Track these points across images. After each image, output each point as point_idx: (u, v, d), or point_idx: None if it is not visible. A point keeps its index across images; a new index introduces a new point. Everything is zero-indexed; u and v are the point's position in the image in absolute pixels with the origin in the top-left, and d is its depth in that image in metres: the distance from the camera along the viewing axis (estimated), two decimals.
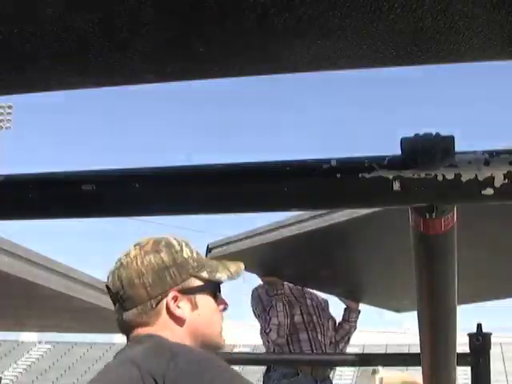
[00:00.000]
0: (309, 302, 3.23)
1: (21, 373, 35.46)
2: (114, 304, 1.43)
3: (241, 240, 2.48)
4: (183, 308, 1.37)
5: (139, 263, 1.35)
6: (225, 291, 1.46)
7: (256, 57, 0.60)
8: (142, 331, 1.37)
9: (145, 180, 0.60)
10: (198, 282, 1.38)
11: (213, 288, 1.41)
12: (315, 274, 2.85)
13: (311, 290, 3.29)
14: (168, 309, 1.36)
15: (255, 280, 3.28)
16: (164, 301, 1.36)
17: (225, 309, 1.45)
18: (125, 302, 1.39)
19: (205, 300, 1.39)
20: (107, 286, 1.42)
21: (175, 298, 1.36)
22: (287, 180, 0.58)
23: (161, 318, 1.37)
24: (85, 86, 0.65)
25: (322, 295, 3.35)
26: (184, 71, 0.64)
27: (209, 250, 2.65)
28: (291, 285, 3.22)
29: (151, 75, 0.64)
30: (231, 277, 1.42)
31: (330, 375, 3.38)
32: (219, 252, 2.58)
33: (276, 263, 2.87)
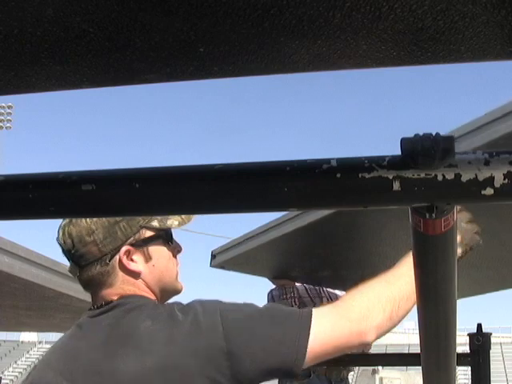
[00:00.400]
0: (325, 301, 3.18)
1: (21, 373, 35.46)
2: (68, 260, 1.42)
3: (244, 241, 2.39)
4: (137, 261, 1.37)
5: (88, 220, 1.32)
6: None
7: (256, 57, 0.60)
8: (109, 293, 1.35)
9: (145, 180, 0.60)
10: (149, 233, 1.37)
11: (165, 236, 1.41)
12: (327, 272, 2.76)
13: (331, 290, 3.23)
14: (122, 264, 1.36)
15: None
16: (117, 257, 1.36)
17: (178, 252, 1.45)
18: (78, 259, 1.37)
19: (157, 249, 1.38)
20: (58, 243, 1.41)
21: (127, 253, 1.35)
22: (287, 180, 0.58)
23: (119, 274, 1.36)
24: (85, 86, 0.65)
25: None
26: (184, 71, 0.64)
27: (213, 256, 2.58)
28: (308, 285, 3.15)
29: (151, 75, 0.64)
30: (182, 222, 1.41)
31: (349, 376, 3.29)
32: (224, 257, 2.52)
33: (284, 263, 2.78)
